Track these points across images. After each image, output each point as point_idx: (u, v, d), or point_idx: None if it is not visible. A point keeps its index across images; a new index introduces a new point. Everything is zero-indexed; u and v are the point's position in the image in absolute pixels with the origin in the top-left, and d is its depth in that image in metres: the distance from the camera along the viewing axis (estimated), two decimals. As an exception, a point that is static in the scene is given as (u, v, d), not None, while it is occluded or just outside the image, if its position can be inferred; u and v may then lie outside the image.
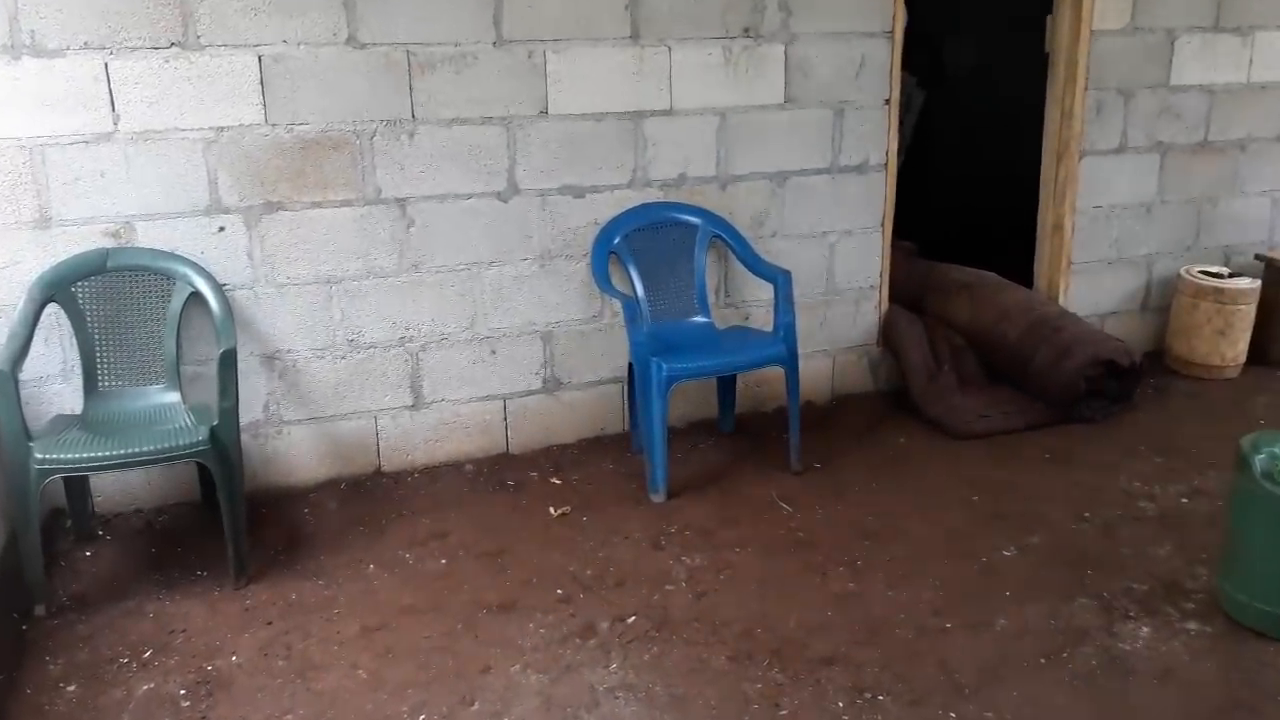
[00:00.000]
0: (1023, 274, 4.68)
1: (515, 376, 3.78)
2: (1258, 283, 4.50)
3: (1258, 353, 4.59)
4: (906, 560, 3.01)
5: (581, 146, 3.66)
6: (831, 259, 4.16)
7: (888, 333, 4.27)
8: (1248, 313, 4.49)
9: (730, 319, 4.02)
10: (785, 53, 3.85)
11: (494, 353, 3.73)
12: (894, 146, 4.10)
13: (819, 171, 4.03)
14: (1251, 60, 4.62)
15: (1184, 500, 3.36)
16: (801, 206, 4.04)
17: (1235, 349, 4.53)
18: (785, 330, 3.51)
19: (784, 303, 3.55)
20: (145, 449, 2.83)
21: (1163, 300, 4.79)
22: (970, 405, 4.00)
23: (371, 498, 3.54)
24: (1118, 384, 4.04)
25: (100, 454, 2.81)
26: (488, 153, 3.55)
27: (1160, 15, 4.39)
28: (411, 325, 3.61)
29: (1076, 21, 4.26)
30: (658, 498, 3.42)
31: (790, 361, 3.49)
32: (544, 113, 3.58)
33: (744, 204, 3.95)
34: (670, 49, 3.69)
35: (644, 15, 3.61)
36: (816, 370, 4.23)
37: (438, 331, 3.64)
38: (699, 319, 3.78)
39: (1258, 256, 4.79)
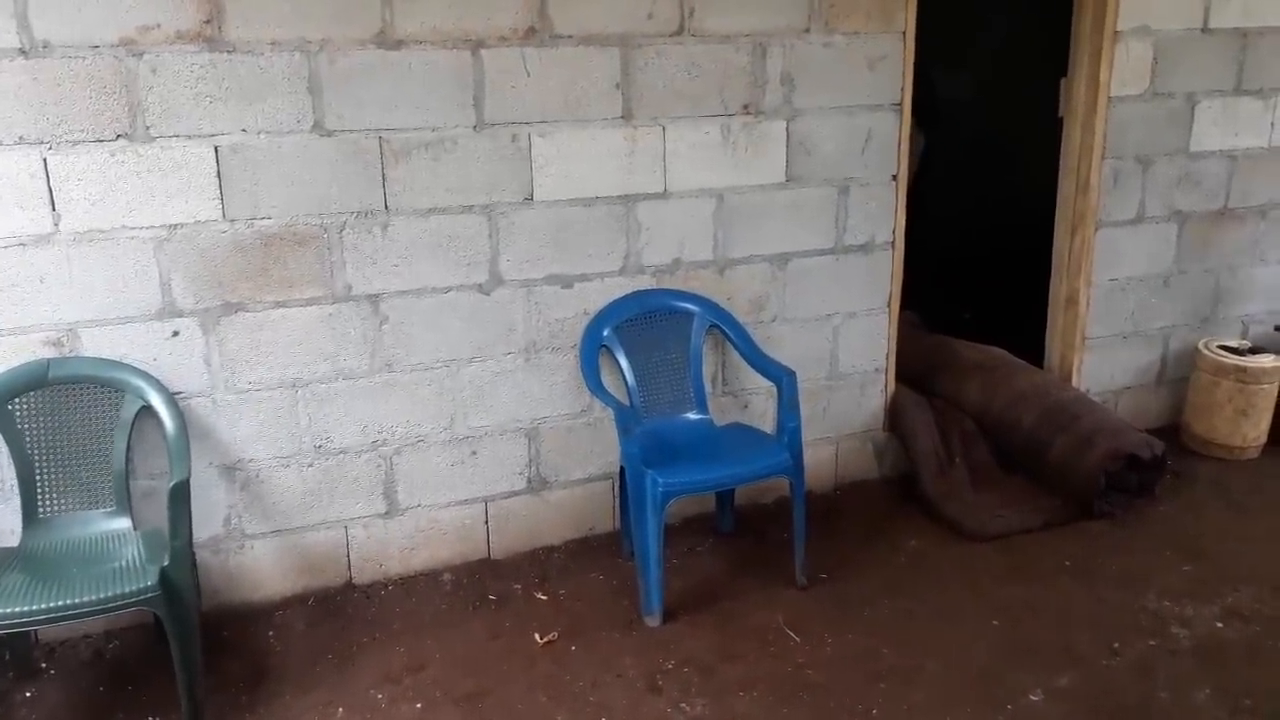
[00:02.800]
0: (1028, 337, 4.45)
1: (497, 477, 3.51)
2: (1281, 360, 4.27)
3: (1277, 431, 4.36)
4: (925, 710, 2.75)
5: (569, 233, 3.39)
6: (835, 342, 3.90)
7: (895, 418, 4.02)
8: (1271, 392, 4.27)
9: (728, 409, 3.77)
10: (787, 129, 3.59)
11: (474, 453, 3.46)
12: (901, 223, 3.85)
13: (822, 252, 3.77)
14: (1273, 124, 4.39)
15: (1218, 625, 3.12)
16: (803, 289, 3.79)
17: (1258, 429, 4.30)
18: (790, 436, 3.26)
19: (788, 406, 3.29)
20: (87, 599, 2.53)
21: (1178, 374, 4.56)
22: (985, 502, 3.76)
23: (342, 616, 3.27)
24: (1138, 477, 3.80)
25: (35, 608, 2.51)
26: (468, 243, 3.28)
27: (1181, 79, 4.16)
28: (385, 428, 3.33)
29: (1094, 87, 4.02)
30: (653, 621, 3.16)
31: (796, 471, 3.23)
32: (529, 199, 3.31)
33: (743, 288, 3.69)
34: (664, 128, 3.42)
35: (636, 94, 3.35)
36: (819, 458, 3.98)
37: (413, 433, 3.37)
38: (695, 415, 3.52)
39: (1278, 328, 4.57)
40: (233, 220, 3.02)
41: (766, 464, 3.20)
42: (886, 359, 4.01)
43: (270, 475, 3.24)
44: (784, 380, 3.31)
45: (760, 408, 3.83)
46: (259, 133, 2.99)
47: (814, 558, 3.41)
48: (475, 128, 3.20)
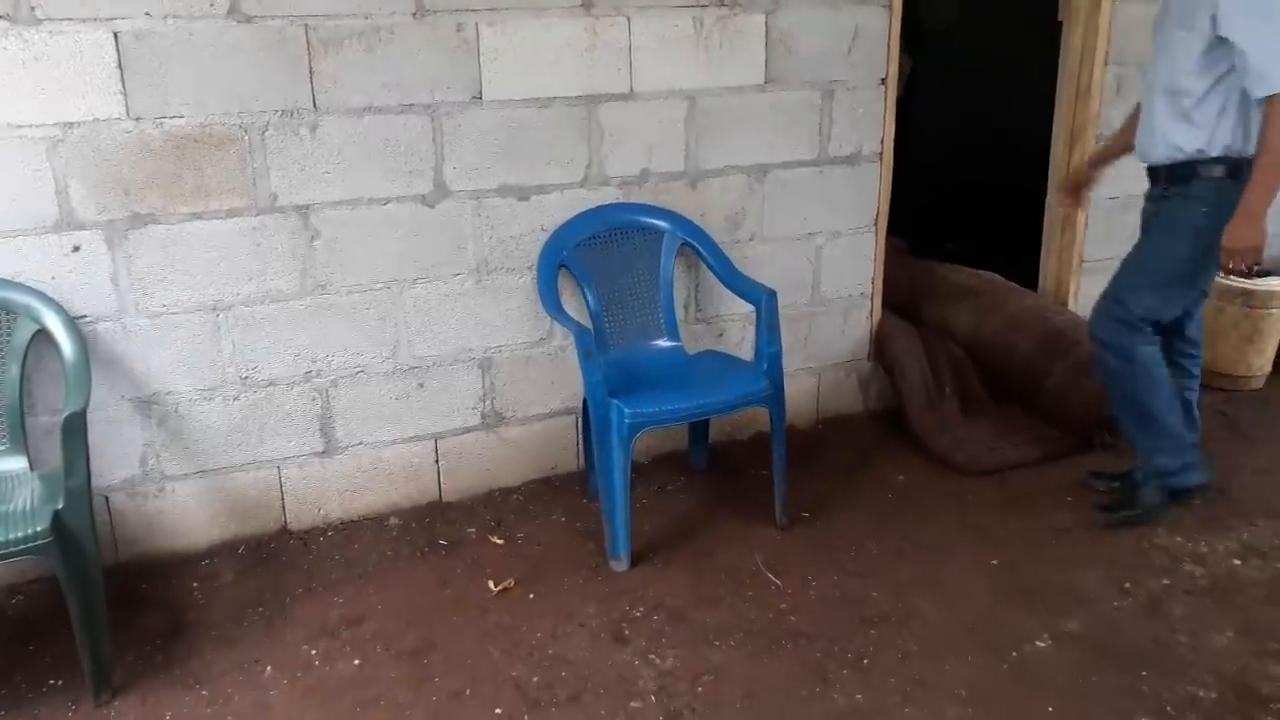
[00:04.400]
0: (1022, 265, 4.15)
1: (448, 412, 3.19)
2: (1290, 283, 4.00)
3: (1283, 358, 4.12)
4: (922, 658, 2.48)
5: (524, 138, 3.04)
6: (818, 264, 3.59)
7: (881, 347, 3.72)
8: (1279, 317, 4.00)
9: (702, 338, 3.45)
10: (766, 24, 3.23)
11: (422, 385, 3.13)
12: (890, 133, 3.52)
13: (804, 164, 3.44)
14: (1286, 29, 4.07)
15: (1236, 562, 2.87)
16: (784, 204, 3.46)
17: (1263, 357, 4.04)
18: (770, 361, 2.95)
19: (768, 329, 2.97)
20: (-37, 547, 2.21)
21: (1180, 300, 4.29)
22: (977, 435, 3.48)
23: (275, 564, 2.95)
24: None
25: (-98, 557, 2.19)
26: (409, 148, 2.92)
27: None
28: (320, 357, 2.99)
29: (1097, -15, 3.69)
30: (619, 566, 2.86)
31: (776, 400, 2.93)
32: (477, 98, 2.95)
33: (717, 203, 3.36)
34: (629, 19, 3.06)
35: (597, -21, 2.99)
36: (800, 390, 3.68)
37: (352, 363, 3.03)
38: (666, 342, 3.20)
39: (1286, 249, 4.29)
40: (138, 119, 2.64)
41: (744, 392, 2.89)
42: (872, 283, 3.70)
43: (191, 410, 2.90)
44: (764, 301, 2.99)
45: (736, 335, 3.52)
46: (166, 17, 2.60)
47: (795, 495, 3.12)
48: (415, 15, 2.82)
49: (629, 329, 3.18)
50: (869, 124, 3.49)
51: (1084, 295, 4.07)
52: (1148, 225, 3.03)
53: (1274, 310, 3.97)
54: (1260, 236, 2.69)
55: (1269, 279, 3.99)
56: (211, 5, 2.63)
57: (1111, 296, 2.99)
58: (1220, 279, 3.99)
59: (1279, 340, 4.04)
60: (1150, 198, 3.01)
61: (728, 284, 3.16)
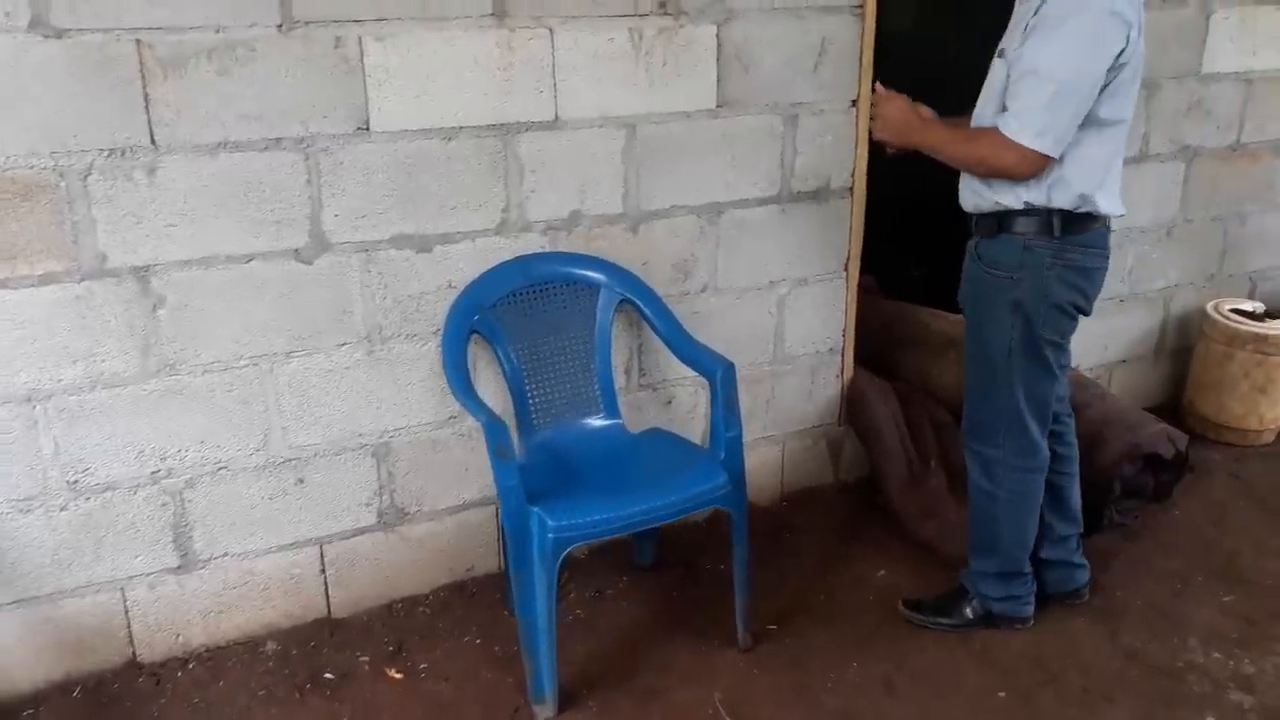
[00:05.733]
0: None
1: (336, 511, 2.61)
2: (1306, 325, 3.57)
3: (1294, 408, 3.68)
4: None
5: (424, 177, 2.47)
6: (781, 317, 3.06)
7: (854, 411, 3.21)
8: (1294, 365, 3.57)
9: (647, 407, 2.91)
10: (718, 37, 2.70)
11: (301, 481, 2.55)
12: (863, 163, 3.01)
13: (764, 201, 2.92)
14: (1295, 40, 3.65)
15: (1288, 683, 2.40)
16: (741, 249, 2.93)
17: (1276, 409, 3.60)
18: (729, 449, 2.41)
19: (725, 408, 2.43)
20: None
21: (1180, 342, 3.85)
22: (968, 518, 2.97)
23: (118, 710, 2.36)
24: (1155, 478, 3.07)
25: None
26: (277, 192, 2.34)
27: (1192, -18, 3.38)
28: (170, 453, 2.40)
29: (1094, -9, 3.20)
30: (544, 712, 2.30)
31: (737, 498, 2.39)
32: (364, 129, 2.38)
33: (664, 249, 2.82)
34: (552, 33, 2.51)
35: (512, -18, 2.43)
36: (762, 462, 3.15)
37: (212, 458, 2.44)
38: (602, 420, 2.66)
39: (1297, 285, 3.87)
40: (-89, 161, 2.04)
41: (697, 491, 2.34)
42: (843, 336, 3.19)
43: (5, 526, 2.30)
44: (720, 375, 2.45)
45: (688, 402, 2.99)
46: (-59, 30, 2.01)
47: (759, 601, 2.60)
48: (281, 28, 2.24)
49: (557, 404, 2.63)
50: (838, 153, 2.97)
51: (1078, 346, 3.57)
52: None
53: (1289, 357, 3.53)
54: (902, 135, 2.42)
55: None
56: (7, 15, 2.04)
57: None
58: (1226, 320, 3.57)
59: (1293, 390, 3.61)
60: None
61: (676, 350, 2.62)
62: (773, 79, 2.81)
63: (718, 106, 2.76)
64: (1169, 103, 3.47)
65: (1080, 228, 2.29)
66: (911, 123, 2.38)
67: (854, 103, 2.93)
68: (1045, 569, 2.66)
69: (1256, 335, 3.51)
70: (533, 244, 2.64)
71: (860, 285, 3.64)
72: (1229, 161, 3.68)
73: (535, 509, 2.20)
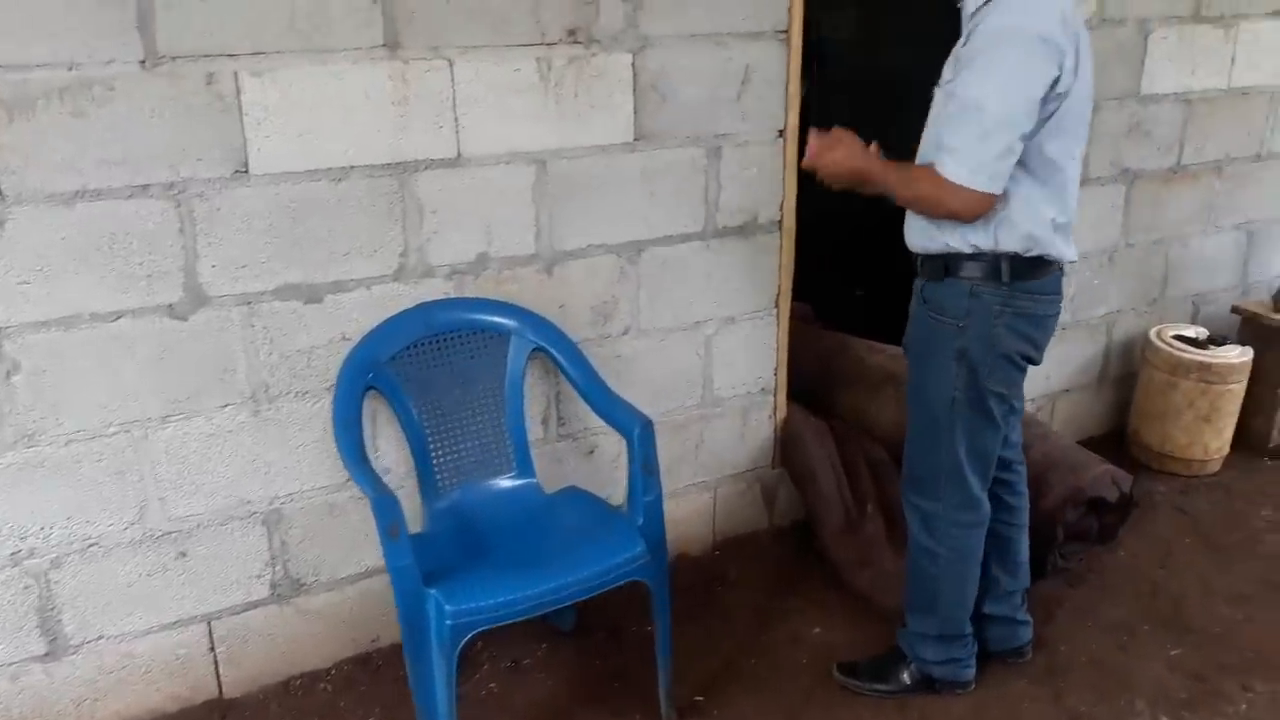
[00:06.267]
0: None
1: (224, 585, 2.40)
2: (1249, 353, 3.47)
3: (1238, 435, 3.58)
4: None
5: (312, 222, 2.27)
6: (709, 358, 2.90)
7: (788, 453, 3.06)
8: (1238, 393, 3.47)
9: (567, 459, 2.73)
10: (633, 65, 2.53)
11: (183, 554, 2.33)
12: (792, 195, 2.85)
13: (688, 238, 2.75)
14: (1234, 59, 3.55)
15: (1241, 748, 2.28)
16: (665, 288, 2.76)
17: (1221, 439, 3.51)
18: (648, 514, 2.24)
19: (644, 469, 2.25)
20: None
21: (1123, 370, 3.75)
22: (905, 569, 2.83)
23: (-23, 818, 2.13)
24: (1100, 520, 2.95)
25: None
26: (146, 243, 2.12)
27: (1132, 1, 3.26)
28: (31, 531, 2.17)
29: (1029, 11, 3.07)
30: (450, 806, 2.12)
31: (655, 569, 2.22)
32: (242, 172, 2.17)
33: (581, 291, 2.64)
34: (452, 64, 2.32)
35: (404, 8, 2.23)
36: (692, 510, 2.99)
37: (81, 534, 2.22)
38: (512, 481, 2.47)
39: (1235, 309, 3.77)
40: None
41: (611, 564, 2.15)
42: (775, 376, 3.03)
43: None
44: (636, 433, 2.26)
45: (611, 452, 2.81)
46: None
47: (687, 668, 2.44)
48: (145, 64, 2.03)
49: (465, 463, 2.44)
50: (765, 186, 2.81)
51: (1020, 373, 3.48)
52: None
53: (1233, 385, 3.43)
54: (854, 181, 2.20)
55: (1225, 348, 3.45)
56: None
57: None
58: (1169, 347, 3.47)
59: (1236, 418, 3.51)
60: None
61: (592, 403, 2.44)
62: (694, 109, 2.64)
63: (635, 139, 2.59)
64: (1108, 125, 3.36)
65: (1030, 273, 2.15)
66: (861, 169, 2.17)
67: (781, 133, 2.78)
68: (987, 625, 2.52)
69: (1200, 364, 3.41)
70: (436, 290, 2.44)
71: (794, 315, 3.51)
72: (1169, 184, 3.58)
73: (433, 591, 2.00)
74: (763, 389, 3.02)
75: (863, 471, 3.04)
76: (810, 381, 3.34)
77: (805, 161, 2.23)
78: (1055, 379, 3.61)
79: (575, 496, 2.48)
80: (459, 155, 2.38)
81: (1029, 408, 3.52)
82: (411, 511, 2.38)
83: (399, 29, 2.24)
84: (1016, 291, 2.15)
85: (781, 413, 3.07)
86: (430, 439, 2.39)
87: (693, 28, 2.57)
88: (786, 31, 2.69)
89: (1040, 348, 2.26)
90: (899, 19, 6.03)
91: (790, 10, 2.68)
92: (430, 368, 2.40)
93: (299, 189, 2.24)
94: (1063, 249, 2.17)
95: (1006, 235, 2.11)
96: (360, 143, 2.27)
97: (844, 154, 2.17)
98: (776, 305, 2.96)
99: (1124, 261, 3.60)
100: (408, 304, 2.41)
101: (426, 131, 2.33)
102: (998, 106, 1.99)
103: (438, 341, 2.41)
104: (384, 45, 2.24)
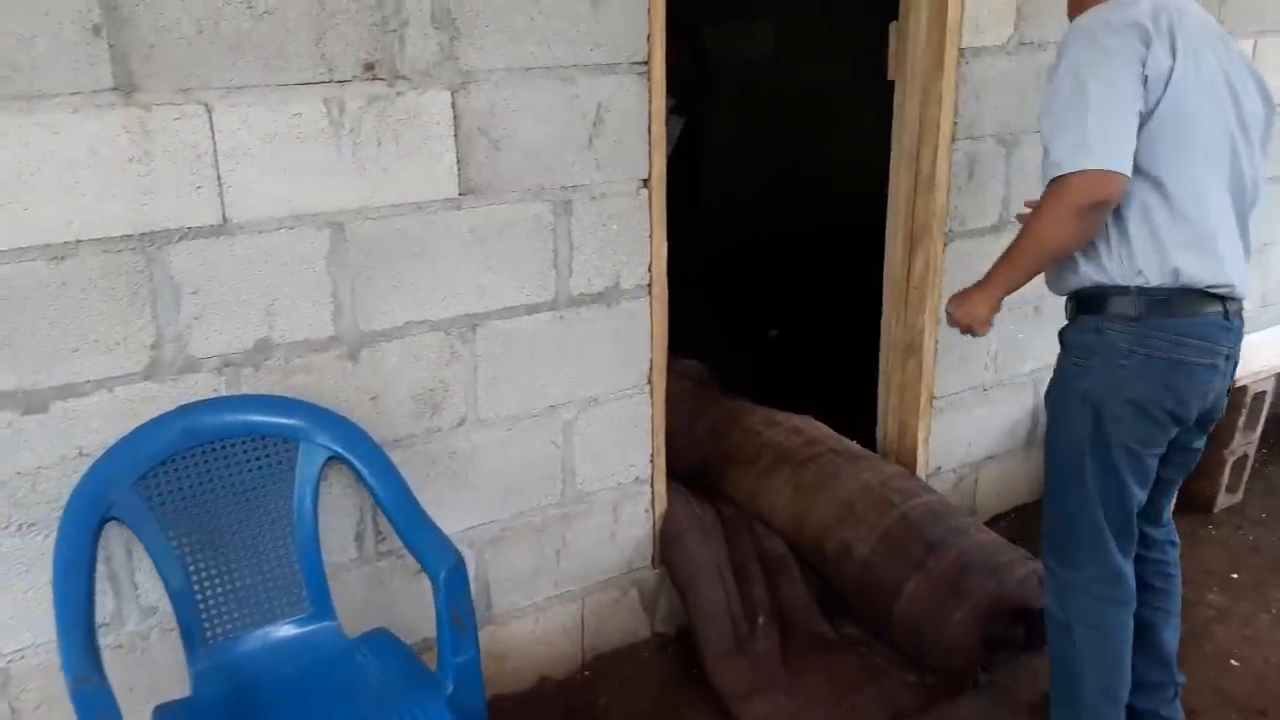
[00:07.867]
0: (864, 348, 3.13)
1: (-68, 771, 1.89)
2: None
3: (1182, 499, 3.20)
4: None
5: (30, 311, 1.78)
6: (569, 447, 2.44)
7: (668, 554, 2.61)
8: (1179, 459, 3.10)
9: (392, 580, 2.26)
10: (454, 106, 2.07)
11: None
12: (661, 254, 2.41)
13: (534, 309, 2.29)
14: (1167, 87, 3.19)
15: None
16: (509, 369, 2.30)
17: (1161, 510, 3.14)
18: (460, 677, 1.77)
19: (452, 626, 1.78)
20: None
21: (1054, 431, 3.36)
22: (804, 695, 2.39)
23: None
24: (1027, 626, 2.54)
25: None
26: None
27: (1055, 21, 2.88)
28: None
29: (939, 33, 2.68)
30: None
31: (469, 747, 1.76)
32: (-78, 252, 1.68)
33: (399, 378, 2.17)
34: (210, 109, 1.84)
35: (140, 42, 1.75)
36: (554, 627, 2.53)
37: None
38: (302, 627, 1.98)
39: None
40: None
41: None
42: (652, 462, 2.58)
43: None
44: (443, 576, 1.79)
45: (446, 565, 2.34)
46: None
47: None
48: None
49: (244, 606, 1.95)
50: (628, 245, 2.36)
51: (937, 445, 3.07)
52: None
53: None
54: (979, 315, 2.08)
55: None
56: None
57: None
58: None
59: (1179, 487, 3.15)
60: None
61: (397, 528, 1.96)
62: (535, 157, 2.18)
63: (461, 194, 2.13)
64: (1029, 161, 2.97)
65: (1171, 310, 1.89)
66: (987, 294, 2.05)
67: (645, 182, 2.33)
68: None
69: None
70: (202, 388, 1.96)
71: (688, 376, 3.10)
72: (1099, 225, 3.21)
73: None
74: (636, 479, 2.56)
75: (754, 573, 2.60)
76: (699, 455, 2.91)
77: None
78: (977, 446, 3.21)
79: (381, 644, 1.99)
80: (225, 221, 1.90)
81: (949, 479, 3.14)
82: (179, 665, 1.90)
83: (133, 68, 1.76)
84: (1152, 330, 1.90)
85: (661, 504, 2.62)
86: (195, 578, 1.90)
87: (528, 60, 2.12)
88: (647, 63, 2.25)
89: (1185, 402, 1.94)
90: (821, 36, 5.70)
91: (650, 38, 2.24)
92: (194, 487, 1.91)
93: (10, 271, 1.74)
94: (1205, 278, 1.87)
95: (1125, 266, 1.89)
96: (89, 211, 1.78)
97: (974, 309, 2.07)
98: (650, 381, 2.51)
99: (1050, 312, 3.20)
100: (165, 407, 1.92)
101: (180, 194, 1.85)
102: (1073, 83, 1.80)
103: (204, 453, 1.92)
104: (114, 89, 1.75)
